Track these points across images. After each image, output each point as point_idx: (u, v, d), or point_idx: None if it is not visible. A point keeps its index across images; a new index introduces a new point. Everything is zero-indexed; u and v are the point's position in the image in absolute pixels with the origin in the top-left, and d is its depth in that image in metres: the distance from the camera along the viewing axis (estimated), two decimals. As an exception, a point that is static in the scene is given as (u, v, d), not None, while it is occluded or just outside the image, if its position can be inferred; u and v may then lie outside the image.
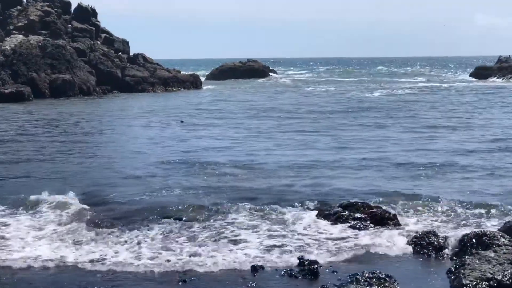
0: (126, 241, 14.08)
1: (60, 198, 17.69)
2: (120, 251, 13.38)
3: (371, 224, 15.20)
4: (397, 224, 15.22)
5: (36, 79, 60.73)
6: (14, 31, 67.72)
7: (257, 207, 16.87)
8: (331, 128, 34.89)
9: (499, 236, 12.72)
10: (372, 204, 16.57)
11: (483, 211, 16.53)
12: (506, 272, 11.35)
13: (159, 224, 15.36)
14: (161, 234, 14.56)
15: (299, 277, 11.85)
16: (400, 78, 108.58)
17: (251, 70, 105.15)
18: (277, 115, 42.71)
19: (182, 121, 39.65)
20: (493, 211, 16.52)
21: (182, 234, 14.53)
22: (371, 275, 11.33)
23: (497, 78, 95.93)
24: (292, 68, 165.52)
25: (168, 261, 12.75)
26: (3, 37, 66.16)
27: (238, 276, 11.93)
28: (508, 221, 13.97)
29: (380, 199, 17.79)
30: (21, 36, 65.96)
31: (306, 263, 12.26)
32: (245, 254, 13.12)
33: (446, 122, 37.70)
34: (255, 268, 12.21)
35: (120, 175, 21.84)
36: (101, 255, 13.17)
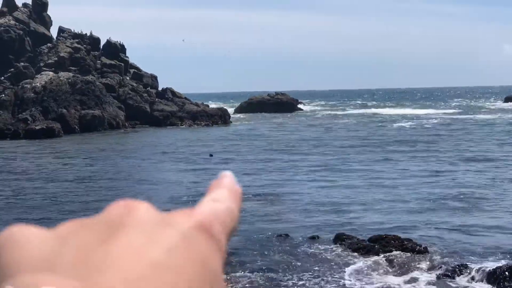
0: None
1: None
2: None
3: (401, 256, 15.08)
4: (428, 257, 15.08)
5: (66, 115, 61.30)
6: (44, 68, 68.55)
7: (288, 242, 16.85)
8: (359, 162, 34.76)
9: (532, 269, 12.56)
10: (403, 237, 16.44)
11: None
12: (540, 305, 11.18)
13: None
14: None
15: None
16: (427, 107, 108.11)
17: (279, 103, 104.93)
18: (306, 150, 42.65)
19: (211, 155, 39.74)
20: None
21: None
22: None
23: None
24: (321, 100, 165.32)
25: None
26: (33, 74, 67.00)
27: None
28: (541, 253, 13.80)
29: (411, 232, 17.67)
30: (51, 73, 66.74)
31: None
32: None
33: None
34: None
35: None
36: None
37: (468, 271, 13.46)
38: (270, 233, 17.91)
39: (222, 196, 0.66)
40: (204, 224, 0.60)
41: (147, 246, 0.54)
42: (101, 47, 76.79)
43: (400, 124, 68.09)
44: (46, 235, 0.56)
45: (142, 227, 0.56)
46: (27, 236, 0.56)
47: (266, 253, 15.87)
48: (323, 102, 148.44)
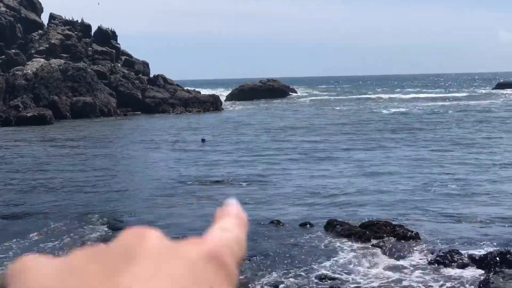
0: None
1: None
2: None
3: (392, 242, 15.17)
4: (419, 243, 15.16)
5: (58, 102, 61.18)
6: (35, 55, 68.33)
7: (280, 229, 16.95)
8: (350, 149, 34.82)
9: (523, 254, 12.66)
10: (394, 223, 16.52)
11: (507, 229, 16.44)
12: (530, 290, 11.28)
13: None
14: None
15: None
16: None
17: (271, 90, 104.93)
18: (297, 137, 42.69)
19: (203, 140, 39.79)
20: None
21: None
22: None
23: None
24: (312, 86, 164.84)
25: None
26: (24, 61, 66.78)
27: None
28: (532, 239, 13.90)
29: (403, 217, 17.78)
30: (42, 60, 66.53)
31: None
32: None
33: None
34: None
35: (138, 197, 21.92)
36: None
37: (459, 257, 13.54)
38: (261, 220, 17.96)
39: (230, 225, 0.67)
40: (214, 253, 0.60)
41: (156, 278, 0.55)
42: (92, 34, 76.54)
43: (391, 110, 68.11)
44: (57, 265, 0.57)
45: (152, 257, 0.57)
46: (39, 267, 0.57)
47: (258, 240, 15.89)
48: (315, 89, 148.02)
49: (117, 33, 78.02)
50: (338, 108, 76.38)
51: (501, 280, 11.71)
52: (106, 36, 76.02)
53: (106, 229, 17.27)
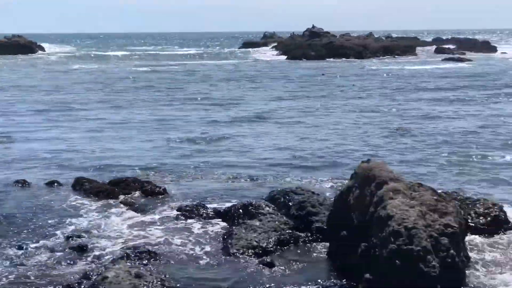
0: None
1: None
2: None
3: (141, 198, 15.37)
4: (167, 198, 15.43)
5: None
6: None
7: (26, 189, 16.52)
8: (100, 108, 34.54)
9: (264, 206, 13.30)
10: (142, 180, 16.65)
11: (251, 183, 17.16)
12: (270, 240, 11.93)
13: None
14: None
15: (67, 251, 11.71)
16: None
17: (16, 46, 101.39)
18: (45, 97, 41.75)
19: None
20: (260, 181, 17.23)
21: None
22: (141, 250, 11.45)
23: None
24: (67, 44, 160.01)
25: None
26: None
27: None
28: (272, 191, 14.60)
29: (151, 173, 18.01)
30: None
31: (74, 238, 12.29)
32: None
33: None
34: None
35: None
36: None
37: (205, 210, 13.96)
38: (4, 180, 17.31)
39: None
40: None
41: None
42: None
43: (134, 69, 67.79)
44: None
45: None
46: None
47: (0, 201, 15.30)
48: (67, 46, 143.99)
49: None
50: (95, 66, 74.67)
51: (244, 231, 12.27)
52: None
53: None
